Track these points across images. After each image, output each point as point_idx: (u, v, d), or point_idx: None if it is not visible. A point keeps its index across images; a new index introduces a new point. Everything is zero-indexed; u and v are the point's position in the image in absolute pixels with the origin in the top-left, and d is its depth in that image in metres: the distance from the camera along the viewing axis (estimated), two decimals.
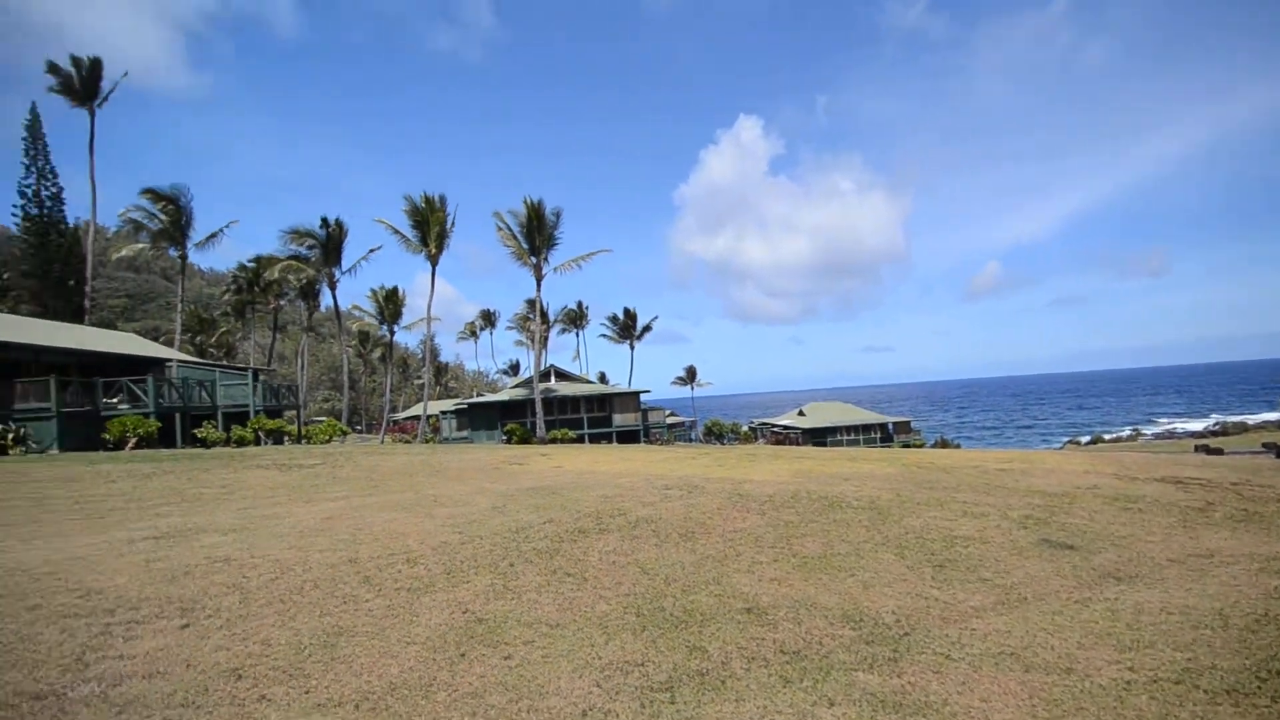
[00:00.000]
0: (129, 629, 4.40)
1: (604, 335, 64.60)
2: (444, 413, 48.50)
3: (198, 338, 54.79)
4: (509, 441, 34.66)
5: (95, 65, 35.10)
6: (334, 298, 37.99)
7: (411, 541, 6.90)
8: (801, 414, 58.79)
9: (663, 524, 7.80)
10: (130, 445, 19.89)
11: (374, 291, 46.11)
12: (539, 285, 33.62)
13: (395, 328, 45.30)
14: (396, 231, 34.00)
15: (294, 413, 34.77)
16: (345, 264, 37.26)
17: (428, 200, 33.73)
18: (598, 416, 38.98)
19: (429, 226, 33.70)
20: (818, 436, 53.00)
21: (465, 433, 41.04)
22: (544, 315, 59.09)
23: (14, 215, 38.46)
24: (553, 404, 38.01)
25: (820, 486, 10.64)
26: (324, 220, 35.83)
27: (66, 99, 34.89)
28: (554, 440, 33.24)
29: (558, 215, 32.74)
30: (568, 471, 14.49)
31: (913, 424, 60.84)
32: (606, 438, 38.10)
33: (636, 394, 40.78)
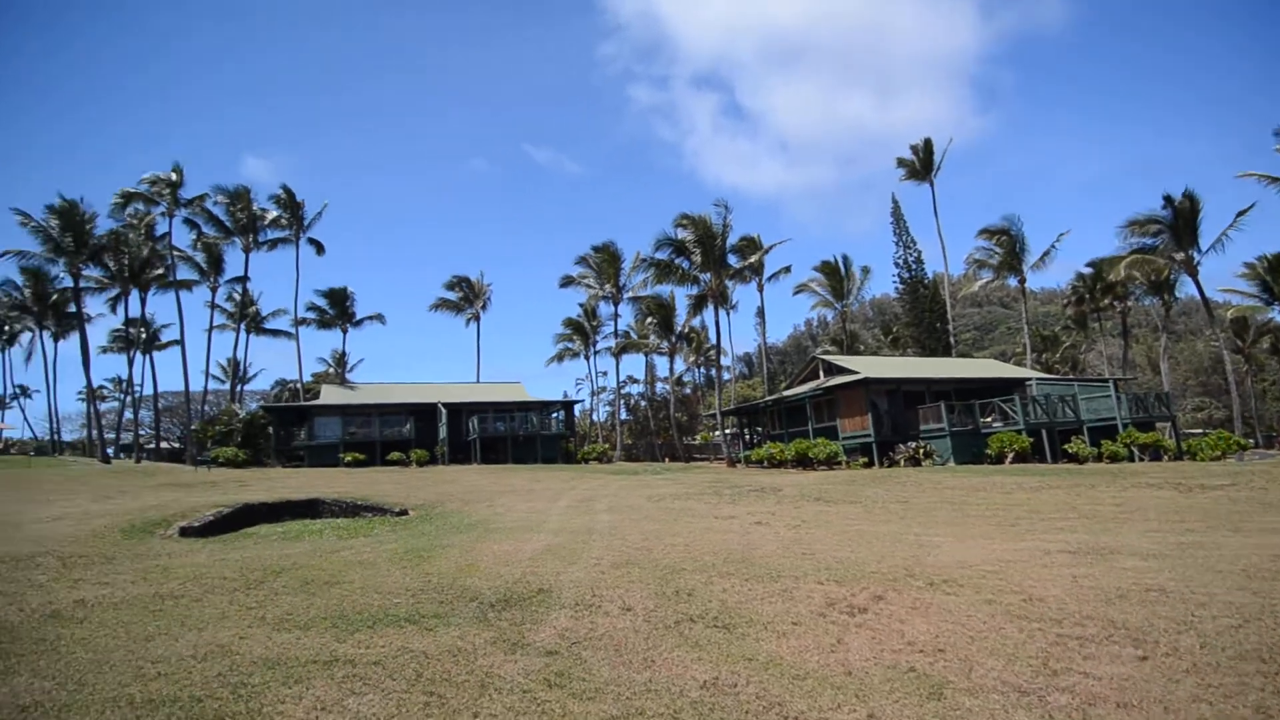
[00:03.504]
0: (1083, 646, 4.36)
1: None
2: None
3: (1042, 355, 56.14)
4: None
5: (928, 146, 42.45)
6: (1197, 284, 31.69)
7: None
8: None
9: None
10: (1009, 459, 21.72)
11: (1252, 265, 35.96)
12: None
13: None
14: (1275, 179, 25.55)
15: (1166, 425, 30.29)
16: (1204, 242, 30.68)
17: None
18: None
19: None
20: None
21: None
22: None
23: (893, 282, 50.54)
24: None
25: None
26: (1167, 199, 30.78)
27: (912, 180, 43.44)
28: None
29: None
30: None
31: None
32: None
33: None
